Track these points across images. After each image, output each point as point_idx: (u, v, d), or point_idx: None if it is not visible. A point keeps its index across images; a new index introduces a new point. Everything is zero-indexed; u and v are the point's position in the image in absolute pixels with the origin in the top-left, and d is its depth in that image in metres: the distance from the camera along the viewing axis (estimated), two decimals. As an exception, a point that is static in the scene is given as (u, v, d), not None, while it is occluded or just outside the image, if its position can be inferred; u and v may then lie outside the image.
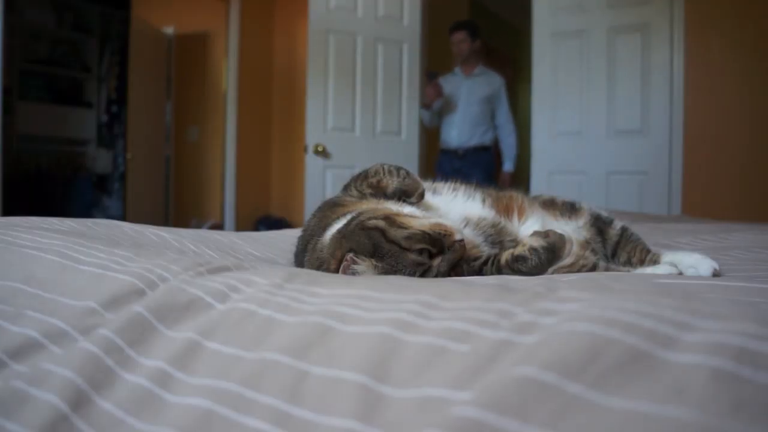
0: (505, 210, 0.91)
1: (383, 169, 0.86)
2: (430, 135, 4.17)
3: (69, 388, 0.47)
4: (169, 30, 5.16)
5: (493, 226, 0.85)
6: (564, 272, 0.77)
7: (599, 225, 0.95)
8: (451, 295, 0.46)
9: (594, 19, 3.40)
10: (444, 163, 3.57)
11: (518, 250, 0.75)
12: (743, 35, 3.04)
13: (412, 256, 0.69)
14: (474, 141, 3.52)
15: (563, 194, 1.03)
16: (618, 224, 0.96)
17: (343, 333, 0.44)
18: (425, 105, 3.51)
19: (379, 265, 0.69)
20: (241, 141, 4.67)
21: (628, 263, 0.93)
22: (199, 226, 4.63)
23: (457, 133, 3.53)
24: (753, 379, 0.29)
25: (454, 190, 0.92)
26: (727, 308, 0.37)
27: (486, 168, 3.56)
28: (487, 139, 3.58)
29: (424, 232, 0.69)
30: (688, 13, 3.15)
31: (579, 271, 0.81)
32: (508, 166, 3.65)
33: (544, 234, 0.76)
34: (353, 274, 0.69)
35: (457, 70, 3.66)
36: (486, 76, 3.65)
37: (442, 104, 3.56)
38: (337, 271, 0.72)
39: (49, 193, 4.94)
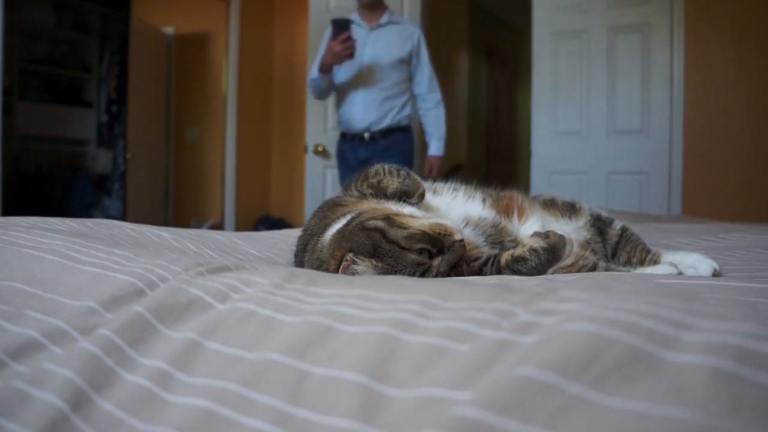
0: (506, 210, 0.91)
1: (384, 169, 0.86)
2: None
3: (69, 388, 0.47)
4: (169, 30, 5.16)
5: (494, 226, 0.85)
6: (564, 272, 0.78)
7: (599, 225, 0.95)
8: (451, 295, 0.46)
9: (594, 19, 3.40)
10: (346, 153, 2.67)
11: (518, 251, 0.75)
12: (743, 35, 3.04)
13: (412, 256, 0.69)
14: (387, 121, 2.60)
15: (563, 194, 1.03)
16: (618, 224, 0.96)
17: (343, 333, 0.44)
18: (325, 68, 2.49)
19: (379, 265, 0.69)
20: (241, 141, 4.67)
21: (628, 263, 0.93)
22: (199, 226, 4.63)
23: (362, 110, 2.58)
24: (753, 379, 0.29)
25: (454, 190, 0.92)
26: (727, 308, 0.37)
27: (405, 157, 2.66)
28: (404, 117, 2.66)
29: (423, 232, 0.69)
30: (688, 13, 3.15)
31: (579, 271, 0.81)
32: (434, 148, 2.75)
33: (545, 235, 0.76)
34: (353, 274, 0.69)
35: (355, 18, 2.64)
36: (398, 26, 2.67)
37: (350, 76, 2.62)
38: (336, 271, 0.72)
39: (49, 193, 4.94)
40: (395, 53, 2.61)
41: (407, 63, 2.66)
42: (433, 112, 2.73)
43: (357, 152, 2.62)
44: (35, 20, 4.78)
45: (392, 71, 2.61)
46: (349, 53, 2.41)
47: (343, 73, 2.61)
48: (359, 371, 0.40)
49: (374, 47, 2.59)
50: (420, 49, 2.69)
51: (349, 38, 2.38)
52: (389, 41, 2.62)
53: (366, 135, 2.61)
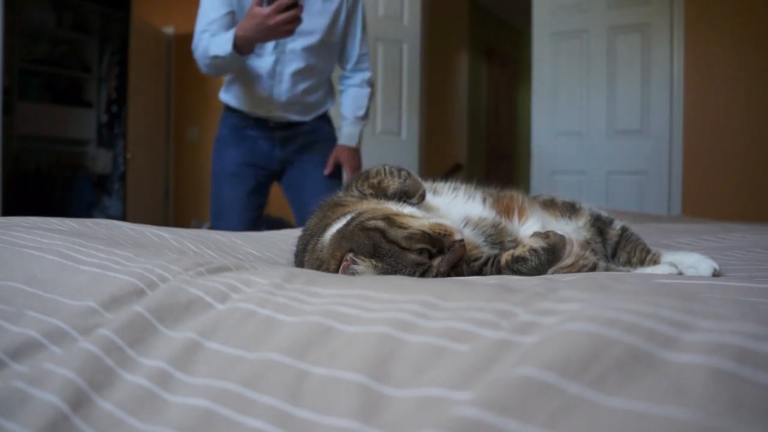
0: (506, 210, 0.91)
1: (384, 169, 0.86)
2: (431, 135, 4.13)
3: (69, 388, 0.47)
4: (169, 30, 5.16)
5: (494, 226, 0.85)
6: (564, 272, 0.78)
7: (599, 225, 0.95)
8: (451, 295, 0.46)
9: (594, 19, 3.40)
10: (250, 131, 2.01)
11: (518, 251, 0.75)
12: (743, 35, 3.04)
13: (412, 256, 0.69)
14: (314, 107, 1.99)
15: (563, 194, 1.03)
16: (618, 224, 0.96)
17: (343, 333, 0.44)
18: (245, 44, 1.69)
19: (379, 265, 0.69)
20: (241, 141, 4.67)
21: (628, 263, 0.93)
22: (199, 226, 4.63)
23: (279, 92, 1.90)
24: (753, 379, 0.29)
25: (454, 190, 0.92)
26: (727, 308, 0.37)
27: (329, 151, 2.04)
28: (330, 102, 2.06)
29: (423, 232, 0.69)
30: (688, 13, 3.15)
31: (579, 271, 0.81)
32: (345, 135, 2.04)
33: (545, 235, 0.76)
34: (353, 274, 0.69)
35: None
36: None
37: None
38: (336, 271, 0.72)
39: (49, 193, 4.94)
40: (329, 27, 1.92)
41: (338, 30, 1.96)
42: (353, 89, 2.06)
43: (269, 135, 1.99)
44: (35, 20, 4.79)
45: (324, 49, 1.94)
46: (290, 30, 1.62)
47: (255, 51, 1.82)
48: (359, 371, 0.40)
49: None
50: (356, 16, 1.98)
51: (296, 5, 1.58)
52: (322, 11, 1.90)
53: (291, 119, 1.97)
